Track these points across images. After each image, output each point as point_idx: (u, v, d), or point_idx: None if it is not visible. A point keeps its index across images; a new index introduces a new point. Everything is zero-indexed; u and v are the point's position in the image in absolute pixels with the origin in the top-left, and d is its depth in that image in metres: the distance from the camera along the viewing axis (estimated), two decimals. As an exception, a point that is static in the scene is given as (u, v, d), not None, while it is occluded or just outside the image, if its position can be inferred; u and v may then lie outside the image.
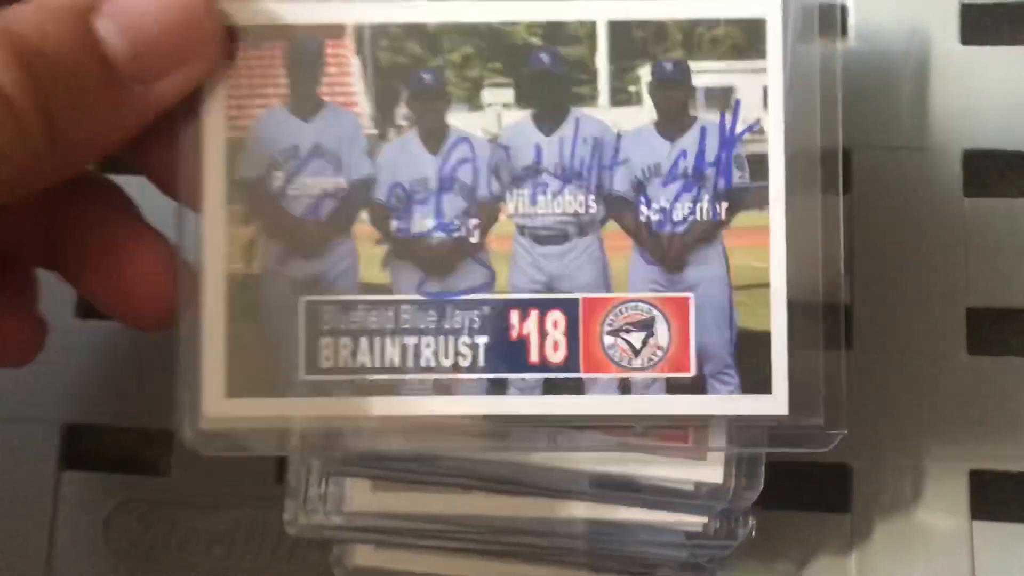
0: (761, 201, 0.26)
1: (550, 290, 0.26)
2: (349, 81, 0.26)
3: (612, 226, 0.26)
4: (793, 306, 0.26)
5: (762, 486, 0.28)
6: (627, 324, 0.26)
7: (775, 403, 0.26)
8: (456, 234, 0.26)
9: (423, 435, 0.26)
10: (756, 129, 0.26)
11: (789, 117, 0.26)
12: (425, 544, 0.30)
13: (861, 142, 0.35)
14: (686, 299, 0.26)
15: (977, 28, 0.36)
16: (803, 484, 0.34)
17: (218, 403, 0.26)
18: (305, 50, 0.26)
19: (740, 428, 0.26)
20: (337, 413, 0.26)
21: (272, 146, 0.26)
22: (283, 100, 0.26)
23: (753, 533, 0.29)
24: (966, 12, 0.36)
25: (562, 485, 0.29)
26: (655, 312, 0.26)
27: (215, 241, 0.26)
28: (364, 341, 0.26)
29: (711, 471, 0.28)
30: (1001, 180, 0.36)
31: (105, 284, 0.27)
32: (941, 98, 0.35)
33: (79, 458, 0.36)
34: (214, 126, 0.26)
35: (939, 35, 0.35)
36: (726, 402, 0.26)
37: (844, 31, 0.35)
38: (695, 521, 0.29)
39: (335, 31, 0.26)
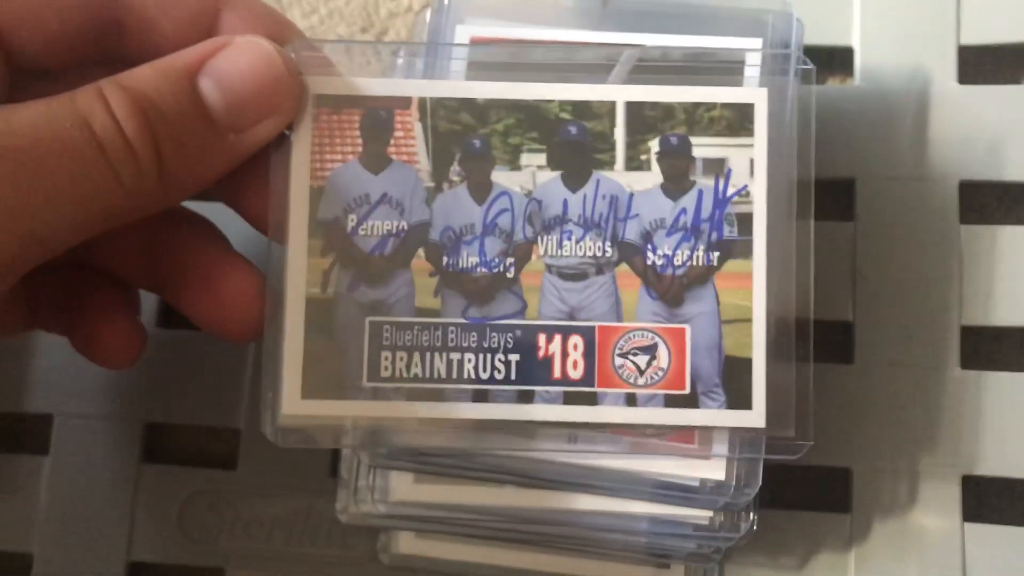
0: (747, 251, 0.32)
1: (572, 319, 0.32)
2: (412, 142, 0.32)
3: (624, 268, 0.32)
4: (770, 335, 0.31)
5: (760, 483, 0.31)
6: (634, 348, 0.32)
7: (755, 417, 0.31)
8: (496, 270, 0.32)
9: (461, 433, 0.32)
10: (744, 193, 0.32)
11: (771, 182, 0.32)
12: (460, 532, 0.35)
13: (864, 172, 0.38)
14: (683, 329, 0.32)
15: (973, 68, 0.38)
16: (807, 486, 0.37)
17: (295, 403, 0.32)
18: (377, 116, 0.32)
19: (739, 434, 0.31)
20: (393, 415, 0.32)
21: (347, 193, 0.32)
22: (357, 156, 0.32)
23: (755, 527, 0.32)
24: (963, 53, 0.38)
25: (583, 480, 0.33)
26: (657, 339, 0.32)
27: (297, 269, 0.32)
28: (417, 355, 0.32)
29: (714, 469, 0.31)
30: (998, 208, 0.38)
31: (203, 304, 0.33)
32: (939, 132, 0.37)
33: (157, 452, 0.39)
34: (300, 175, 0.32)
35: (938, 75, 0.38)
36: (714, 415, 0.31)
37: (851, 71, 0.39)
38: (702, 515, 0.33)
39: (402, 102, 0.32)
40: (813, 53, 0.33)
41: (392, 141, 0.32)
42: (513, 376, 0.32)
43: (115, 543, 0.38)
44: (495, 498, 0.33)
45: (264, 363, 0.32)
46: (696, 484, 0.32)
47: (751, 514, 0.32)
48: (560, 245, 0.32)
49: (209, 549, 0.38)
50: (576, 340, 0.32)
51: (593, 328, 0.32)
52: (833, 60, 0.40)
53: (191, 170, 0.30)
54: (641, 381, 0.32)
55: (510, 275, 0.32)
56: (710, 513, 0.33)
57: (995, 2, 0.38)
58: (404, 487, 0.34)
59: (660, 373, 0.32)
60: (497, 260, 0.32)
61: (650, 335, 0.32)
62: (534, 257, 0.32)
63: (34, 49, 0.30)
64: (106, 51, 0.31)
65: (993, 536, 0.36)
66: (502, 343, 0.32)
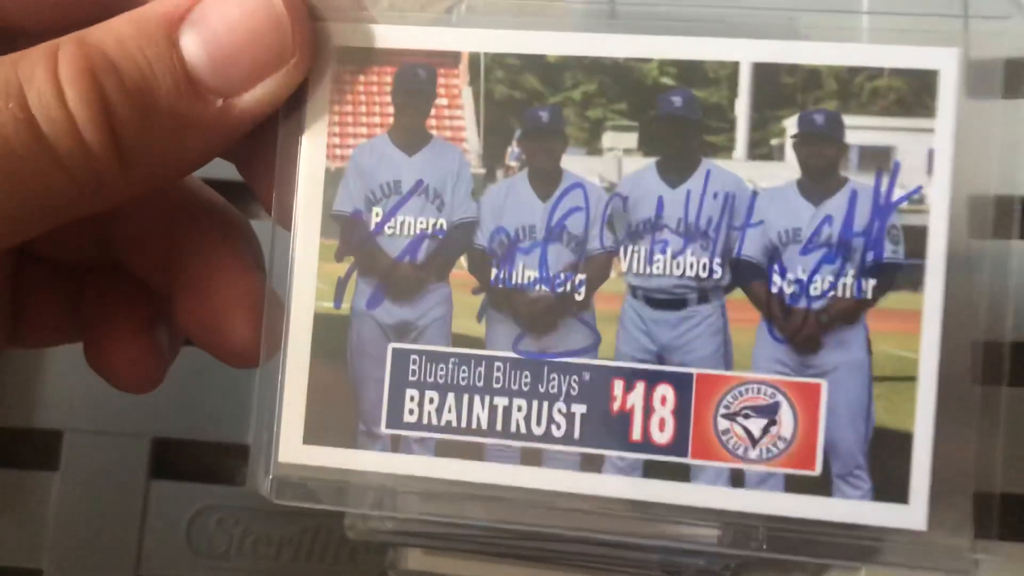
0: (915, 281, 0.22)
1: (661, 361, 0.23)
2: (459, 114, 0.24)
3: (738, 295, 0.23)
4: (943, 403, 0.22)
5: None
6: (746, 408, 0.23)
7: (912, 515, 0.22)
8: (560, 289, 0.24)
9: (507, 512, 0.24)
10: (916, 198, 0.23)
11: (957, 184, 0.22)
12: (470, 548, 0.30)
13: None
14: (817, 386, 0.23)
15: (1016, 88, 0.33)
16: None
17: (295, 449, 0.24)
18: (414, 77, 0.24)
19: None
20: (416, 473, 0.24)
21: (372, 179, 0.24)
22: (387, 130, 0.24)
23: (765, 546, 0.26)
24: (1008, 73, 0.33)
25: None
26: (780, 397, 0.23)
27: (305, 276, 0.24)
28: (451, 397, 0.24)
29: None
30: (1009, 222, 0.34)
31: (193, 314, 0.26)
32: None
33: (166, 468, 0.38)
34: (313, 153, 0.24)
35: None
36: (854, 509, 0.22)
37: None
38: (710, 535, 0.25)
39: (448, 59, 0.24)
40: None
41: (433, 111, 0.24)
42: (576, 434, 0.23)
43: (124, 559, 0.38)
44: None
45: (259, 395, 0.25)
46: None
47: (760, 531, 0.25)
48: (650, 260, 0.23)
49: (217, 565, 0.38)
50: (665, 391, 0.23)
51: (690, 376, 0.23)
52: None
53: (166, 148, 0.23)
54: (753, 454, 0.23)
55: (579, 297, 0.24)
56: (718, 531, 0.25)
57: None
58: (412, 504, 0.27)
59: (781, 444, 0.23)
60: (563, 276, 0.24)
61: (770, 391, 0.23)
62: (613, 274, 0.24)
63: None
64: (102, 5, 0.25)
65: (1005, 553, 0.33)
66: (564, 388, 0.24)
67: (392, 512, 0.25)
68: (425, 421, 0.24)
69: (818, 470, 0.23)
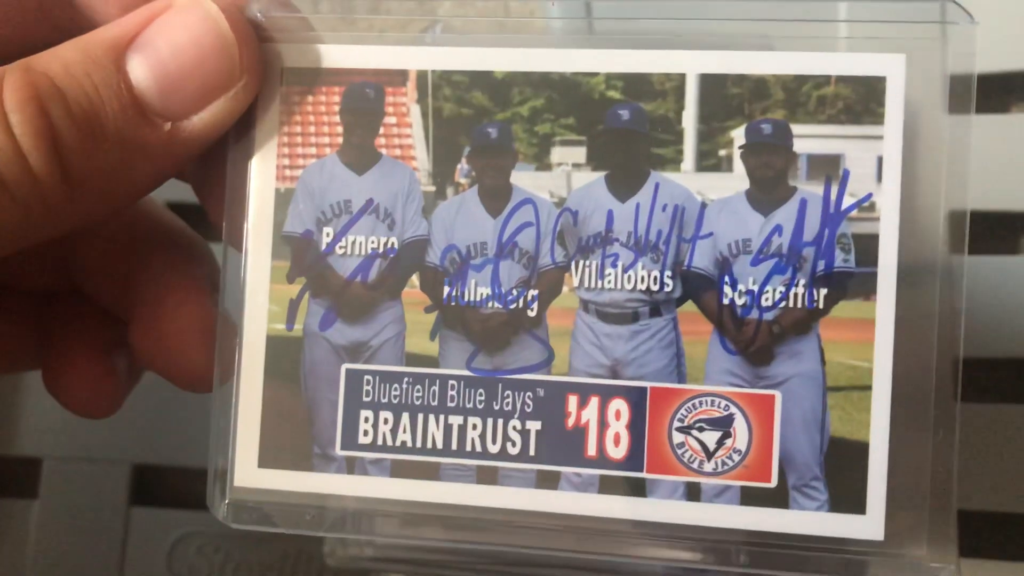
0: (867, 289, 0.22)
1: (615, 375, 0.23)
2: (408, 132, 0.24)
3: (690, 307, 0.23)
4: (897, 411, 0.22)
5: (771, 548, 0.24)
6: (701, 421, 0.23)
7: (869, 526, 0.22)
8: (513, 305, 0.23)
9: (464, 531, 0.24)
10: (866, 205, 0.22)
11: (906, 192, 0.22)
12: (451, 574, 0.29)
13: None
14: (771, 397, 0.23)
15: (964, 98, 0.34)
16: None
17: (250, 473, 0.24)
18: (362, 97, 0.24)
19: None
20: (372, 494, 0.24)
21: (322, 199, 0.24)
22: (336, 150, 0.24)
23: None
24: (953, 83, 0.34)
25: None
26: (734, 409, 0.23)
27: (257, 298, 0.24)
28: (406, 417, 0.24)
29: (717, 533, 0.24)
30: (991, 237, 0.36)
31: (144, 341, 0.26)
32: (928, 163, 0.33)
33: (146, 495, 0.38)
34: (263, 174, 0.24)
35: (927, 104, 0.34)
36: (810, 520, 0.22)
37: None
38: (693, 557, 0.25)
39: (396, 77, 0.24)
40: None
41: (382, 130, 0.24)
42: (532, 451, 0.23)
43: (104, 585, 0.38)
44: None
45: (213, 419, 0.24)
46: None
47: (741, 555, 0.25)
48: (601, 274, 0.23)
49: (198, 592, 0.37)
50: (620, 406, 0.23)
51: (644, 390, 0.23)
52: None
53: (114, 173, 0.23)
54: (709, 467, 0.23)
55: (532, 313, 0.23)
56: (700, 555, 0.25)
57: (981, 31, 0.32)
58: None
59: (736, 457, 0.23)
60: (516, 292, 0.23)
61: (724, 403, 0.23)
62: (566, 289, 0.23)
63: None
64: (60, 27, 0.25)
65: (990, 572, 0.34)
66: (519, 405, 0.23)
67: (351, 534, 0.24)
68: (380, 442, 0.24)
69: (774, 482, 0.23)
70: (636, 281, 0.23)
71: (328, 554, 0.32)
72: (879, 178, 0.22)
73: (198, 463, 0.36)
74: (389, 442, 0.24)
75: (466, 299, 0.24)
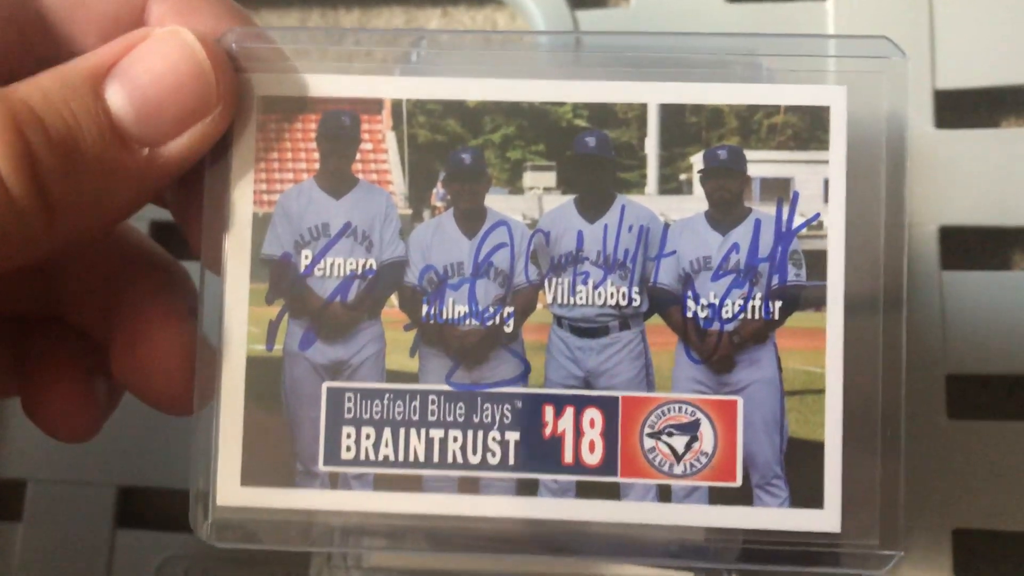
0: (818, 301, 0.24)
1: (588, 386, 0.25)
2: (384, 158, 0.25)
3: (656, 321, 0.25)
4: (849, 412, 0.24)
5: (741, 544, 0.26)
6: (669, 427, 0.24)
7: (826, 519, 0.24)
8: (490, 322, 0.25)
9: (448, 543, 0.25)
10: (815, 224, 0.24)
11: (852, 210, 0.24)
12: None
13: None
14: (733, 402, 0.24)
15: (950, 113, 0.37)
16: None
17: (232, 491, 0.25)
18: (339, 124, 0.25)
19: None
20: (355, 508, 0.25)
21: (300, 223, 0.25)
22: (314, 175, 0.25)
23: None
24: (939, 98, 0.36)
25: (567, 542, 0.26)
26: (700, 415, 0.24)
27: (236, 320, 0.25)
28: (388, 432, 0.25)
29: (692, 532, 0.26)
30: (982, 253, 0.37)
31: (124, 365, 0.26)
32: (917, 178, 0.36)
33: (132, 517, 0.38)
34: (240, 199, 0.25)
35: (915, 120, 0.36)
36: (773, 516, 0.24)
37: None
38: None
39: (371, 106, 0.25)
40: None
41: (358, 156, 0.25)
42: (511, 460, 0.24)
43: (89, 608, 0.37)
44: (471, 562, 0.27)
45: (194, 440, 0.25)
46: (676, 549, 0.26)
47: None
48: (573, 291, 0.25)
49: (184, 615, 0.37)
50: (593, 415, 0.24)
51: (616, 400, 0.24)
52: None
53: (93, 198, 0.23)
54: (678, 469, 0.24)
55: (508, 329, 0.25)
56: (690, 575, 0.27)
57: (969, 46, 0.36)
58: (378, 553, 0.28)
59: (703, 459, 0.24)
60: (492, 310, 0.25)
61: (690, 409, 0.24)
62: (540, 306, 0.25)
63: None
64: (41, 58, 0.25)
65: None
66: (498, 417, 0.25)
67: (336, 548, 0.25)
68: (363, 457, 0.25)
69: (739, 481, 0.24)
70: (606, 297, 0.25)
71: (315, 575, 0.31)
72: (826, 199, 0.24)
73: (184, 485, 0.36)
74: (372, 456, 0.25)
75: (444, 317, 0.25)
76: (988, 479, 0.34)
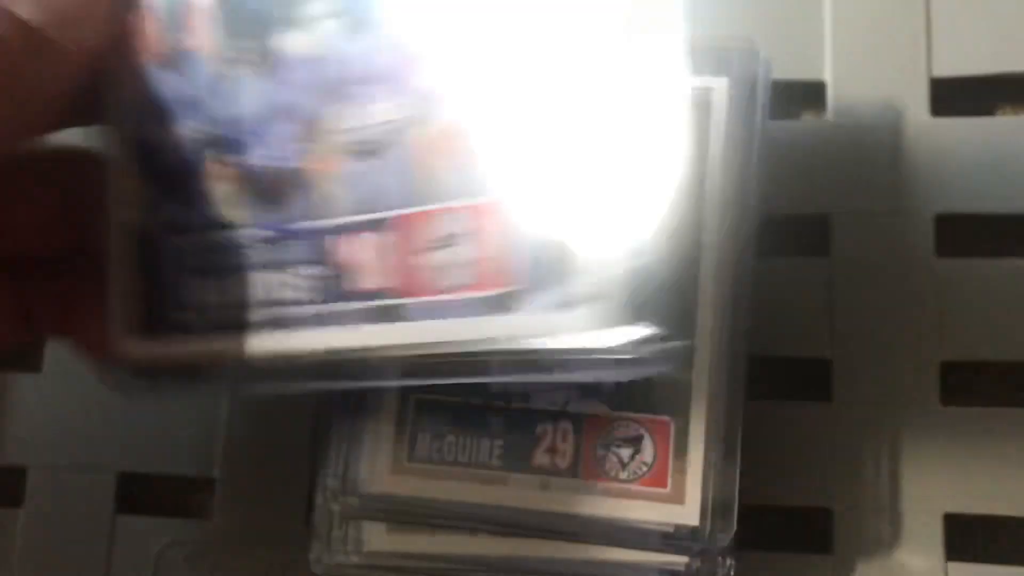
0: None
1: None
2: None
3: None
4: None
5: (735, 528, 0.30)
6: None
7: (687, 513, 0.30)
8: (285, 163, 0.26)
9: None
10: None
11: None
12: None
13: (839, 207, 0.36)
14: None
15: (946, 101, 0.37)
16: (787, 526, 0.35)
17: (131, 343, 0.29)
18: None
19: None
20: (189, 352, 0.28)
21: (156, 100, 0.28)
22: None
23: (732, 572, 0.30)
24: (936, 86, 0.37)
25: (558, 527, 0.30)
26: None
27: (118, 198, 0.29)
28: (212, 280, 0.27)
29: (688, 514, 0.30)
30: (977, 240, 0.37)
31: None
32: (913, 166, 0.36)
33: (132, 503, 0.38)
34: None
35: (911, 108, 0.37)
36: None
37: (823, 106, 0.37)
38: (678, 561, 0.30)
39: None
40: (784, 88, 0.35)
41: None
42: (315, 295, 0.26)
43: (89, 596, 0.37)
44: (469, 547, 0.31)
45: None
46: (671, 531, 0.30)
47: (727, 560, 0.30)
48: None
49: (185, 602, 0.37)
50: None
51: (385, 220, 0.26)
52: (807, 94, 0.38)
53: (16, 105, 0.26)
54: (451, 283, 0.25)
55: (301, 165, 0.26)
56: (685, 559, 0.30)
57: (965, 34, 0.37)
58: (377, 537, 0.31)
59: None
60: (285, 149, 0.27)
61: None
62: (326, 137, 0.26)
63: None
64: None
65: (977, 575, 0.34)
66: (299, 253, 0.26)
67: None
68: (200, 302, 0.28)
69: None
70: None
71: (315, 561, 0.32)
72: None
73: (185, 471, 0.37)
74: (210, 302, 0.28)
75: (250, 163, 0.27)
76: (980, 465, 0.35)
